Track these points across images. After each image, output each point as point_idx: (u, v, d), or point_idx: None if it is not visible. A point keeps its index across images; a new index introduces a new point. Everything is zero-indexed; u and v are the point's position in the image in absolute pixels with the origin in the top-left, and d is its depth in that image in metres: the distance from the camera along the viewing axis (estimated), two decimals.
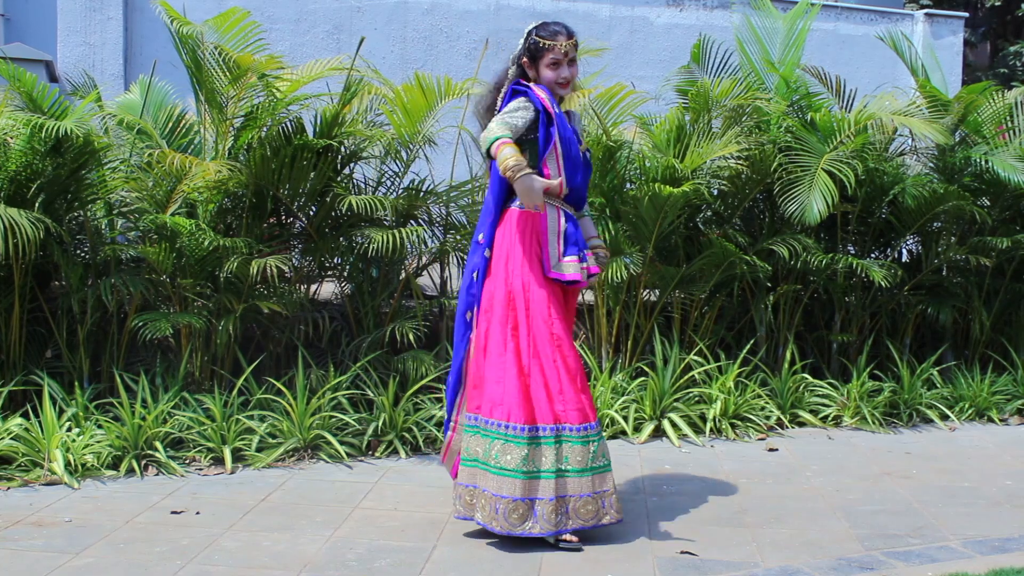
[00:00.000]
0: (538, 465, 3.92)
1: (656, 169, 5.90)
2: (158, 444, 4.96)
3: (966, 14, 11.75)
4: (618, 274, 5.78)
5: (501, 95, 4.15)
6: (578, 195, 4.19)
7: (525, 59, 4.09)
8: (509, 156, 3.82)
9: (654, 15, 9.94)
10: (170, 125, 5.83)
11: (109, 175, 5.44)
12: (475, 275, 4.15)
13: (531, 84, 4.08)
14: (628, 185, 6.08)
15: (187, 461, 5.04)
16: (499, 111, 4.06)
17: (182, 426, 5.13)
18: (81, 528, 4.10)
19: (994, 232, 6.76)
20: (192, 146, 5.80)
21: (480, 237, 4.16)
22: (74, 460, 4.77)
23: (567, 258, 4.03)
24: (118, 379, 5.17)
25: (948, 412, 6.39)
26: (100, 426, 5.03)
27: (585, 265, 4.07)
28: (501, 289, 4.04)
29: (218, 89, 5.39)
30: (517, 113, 3.96)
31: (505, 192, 4.11)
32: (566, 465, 3.94)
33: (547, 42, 4.02)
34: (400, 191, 6.05)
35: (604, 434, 4.40)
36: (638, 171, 6.05)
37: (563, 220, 4.07)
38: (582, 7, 9.66)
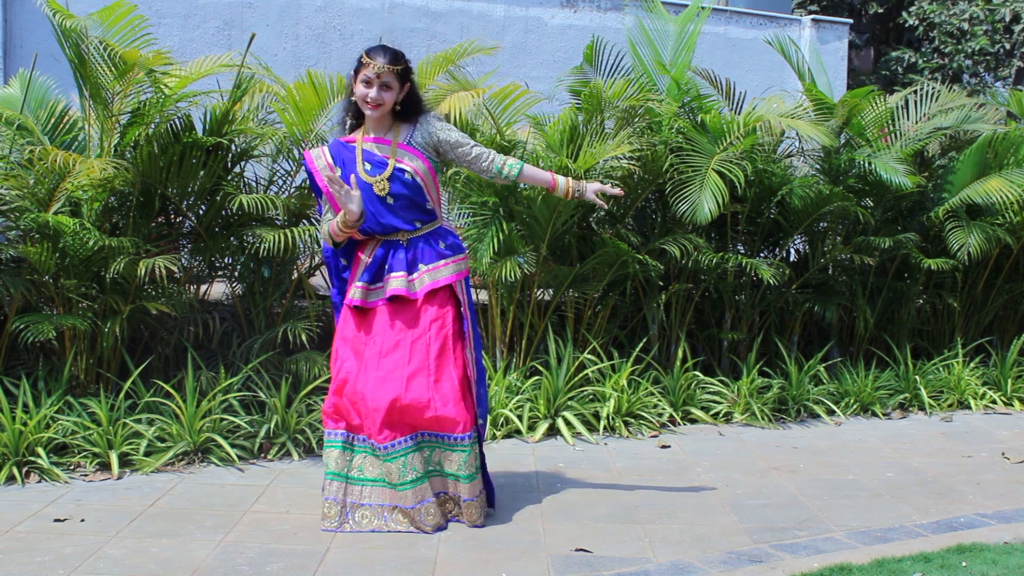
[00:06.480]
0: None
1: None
2: (40, 450, 4.81)
3: (851, 20, 12.09)
4: (512, 274, 5.80)
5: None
6: (387, 223, 4.20)
7: (352, 71, 4.19)
8: (327, 235, 4.30)
9: (548, 16, 9.99)
10: (52, 121, 5.65)
11: None
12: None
13: (313, 152, 4.30)
14: (522, 185, 6.10)
15: (71, 467, 4.90)
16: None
17: (66, 431, 4.99)
18: None
19: (877, 232, 6.96)
20: (76, 143, 5.63)
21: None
22: None
23: (357, 283, 4.26)
24: None
25: (834, 407, 6.56)
26: None
27: (373, 287, 4.26)
28: None
29: (103, 84, 5.24)
30: (324, 224, 4.33)
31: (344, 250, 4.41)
32: (357, 473, 4.23)
33: (365, 59, 4.12)
34: (292, 190, 5.98)
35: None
36: None
37: (367, 253, 4.27)
38: (476, 7, 9.66)
